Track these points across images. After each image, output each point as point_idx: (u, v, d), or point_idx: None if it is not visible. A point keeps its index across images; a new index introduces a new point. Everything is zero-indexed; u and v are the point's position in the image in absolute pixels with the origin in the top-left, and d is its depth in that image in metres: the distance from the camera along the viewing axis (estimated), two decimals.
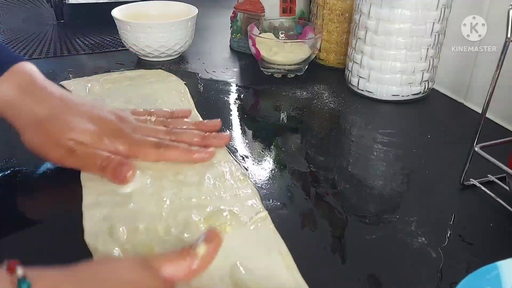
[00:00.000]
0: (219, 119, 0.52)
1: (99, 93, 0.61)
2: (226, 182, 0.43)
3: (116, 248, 0.35)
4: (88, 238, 0.36)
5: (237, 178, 0.44)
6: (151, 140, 0.45)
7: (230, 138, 0.50)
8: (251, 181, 0.44)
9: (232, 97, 0.64)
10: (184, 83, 0.66)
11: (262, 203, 0.41)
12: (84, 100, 0.46)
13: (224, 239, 0.35)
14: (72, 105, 0.44)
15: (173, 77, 0.68)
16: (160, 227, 0.37)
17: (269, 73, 0.70)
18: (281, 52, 0.67)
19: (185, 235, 0.36)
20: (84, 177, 0.44)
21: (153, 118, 0.49)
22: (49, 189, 0.44)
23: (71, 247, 0.36)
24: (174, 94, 0.62)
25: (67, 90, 0.62)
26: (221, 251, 0.34)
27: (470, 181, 0.44)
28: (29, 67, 0.44)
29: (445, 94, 0.66)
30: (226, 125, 0.55)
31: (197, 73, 0.71)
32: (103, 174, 0.42)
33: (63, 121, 0.42)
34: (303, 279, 0.33)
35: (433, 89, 0.66)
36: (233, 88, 0.67)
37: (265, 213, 0.39)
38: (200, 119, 0.55)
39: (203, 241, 0.32)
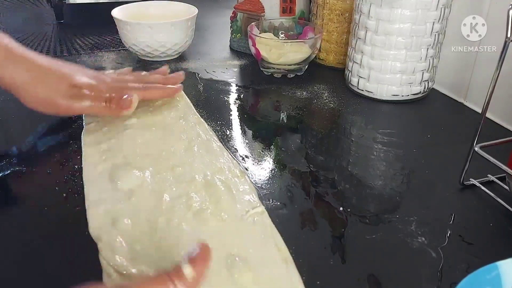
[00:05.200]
0: (182, 72, 0.59)
1: None
2: (224, 178, 0.44)
3: (119, 237, 0.36)
4: (93, 230, 0.37)
5: (235, 175, 0.44)
6: (133, 84, 0.53)
7: (183, 75, 0.59)
8: (248, 178, 0.44)
9: (232, 97, 0.64)
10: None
11: (261, 201, 0.41)
12: (65, 62, 0.52)
13: (222, 231, 0.37)
14: (59, 63, 0.50)
15: None
16: (160, 219, 0.38)
17: (269, 73, 0.70)
18: (281, 52, 0.67)
19: (184, 227, 0.38)
20: (86, 175, 0.44)
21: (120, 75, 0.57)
22: (50, 188, 0.44)
23: (76, 239, 0.37)
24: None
25: None
26: (218, 241, 0.35)
27: (470, 181, 0.44)
28: (3, 37, 0.48)
29: (445, 94, 0.66)
30: (226, 125, 0.55)
31: (197, 73, 0.71)
32: (109, 110, 0.49)
33: (61, 74, 0.48)
34: (298, 272, 0.33)
35: (433, 89, 0.66)
36: (233, 88, 0.67)
37: (261, 208, 0.40)
38: (201, 119, 0.55)
39: (189, 262, 0.28)
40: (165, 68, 0.62)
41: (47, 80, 0.47)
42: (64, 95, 0.47)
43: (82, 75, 0.50)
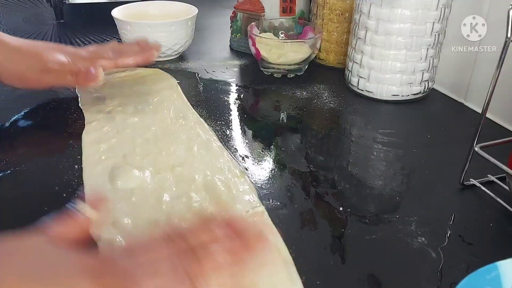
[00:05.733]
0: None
1: (100, 90, 0.62)
2: (224, 178, 0.44)
3: (119, 237, 0.36)
4: (93, 230, 0.37)
5: (235, 175, 0.44)
6: (105, 55, 0.57)
7: (160, 46, 0.62)
8: (248, 178, 0.44)
9: (232, 97, 0.64)
10: (178, 82, 0.66)
11: (261, 201, 0.41)
12: (40, 42, 0.57)
13: None
14: (34, 42, 0.55)
15: (167, 75, 0.69)
16: (160, 218, 0.39)
17: (269, 73, 0.70)
18: (281, 52, 0.67)
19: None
20: (87, 175, 0.44)
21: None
22: (50, 188, 0.43)
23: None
24: (168, 93, 0.62)
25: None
26: None
27: (470, 181, 0.44)
28: None
29: (445, 94, 0.66)
30: (226, 125, 0.55)
31: (197, 73, 0.71)
32: (77, 82, 0.54)
33: (33, 52, 0.53)
34: (298, 273, 0.33)
35: (433, 89, 0.66)
36: (233, 88, 0.67)
37: (262, 208, 0.40)
38: (200, 119, 0.55)
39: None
40: (144, 39, 0.64)
41: (19, 58, 0.52)
42: (35, 70, 0.52)
43: (55, 52, 0.54)
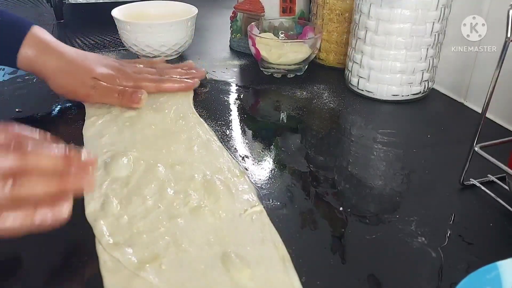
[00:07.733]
0: (203, 69, 0.67)
1: None
2: (223, 178, 0.44)
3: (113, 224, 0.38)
4: (89, 216, 0.39)
5: (235, 175, 0.44)
6: (150, 76, 0.60)
7: (205, 73, 0.67)
8: (248, 178, 0.44)
9: (232, 97, 0.64)
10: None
11: (260, 201, 0.41)
12: (91, 53, 0.60)
13: (219, 228, 0.37)
14: (86, 55, 0.58)
15: None
16: (158, 214, 0.39)
17: (269, 73, 0.70)
18: (281, 52, 0.67)
19: (179, 220, 0.38)
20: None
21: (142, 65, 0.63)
22: None
23: (75, 237, 0.37)
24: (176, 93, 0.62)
25: None
26: (214, 238, 0.36)
27: (470, 181, 0.44)
28: (41, 32, 0.55)
29: (445, 94, 0.66)
30: (226, 125, 0.55)
31: None
32: (121, 102, 0.55)
33: (85, 66, 0.56)
34: (295, 271, 0.33)
35: (433, 89, 0.66)
36: (233, 88, 0.67)
37: (260, 207, 0.40)
38: (201, 119, 0.55)
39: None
40: (190, 62, 0.68)
41: (72, 71, 0.55)
42: (84, 85, 0.55)
43: (103, 67, 0.57)
